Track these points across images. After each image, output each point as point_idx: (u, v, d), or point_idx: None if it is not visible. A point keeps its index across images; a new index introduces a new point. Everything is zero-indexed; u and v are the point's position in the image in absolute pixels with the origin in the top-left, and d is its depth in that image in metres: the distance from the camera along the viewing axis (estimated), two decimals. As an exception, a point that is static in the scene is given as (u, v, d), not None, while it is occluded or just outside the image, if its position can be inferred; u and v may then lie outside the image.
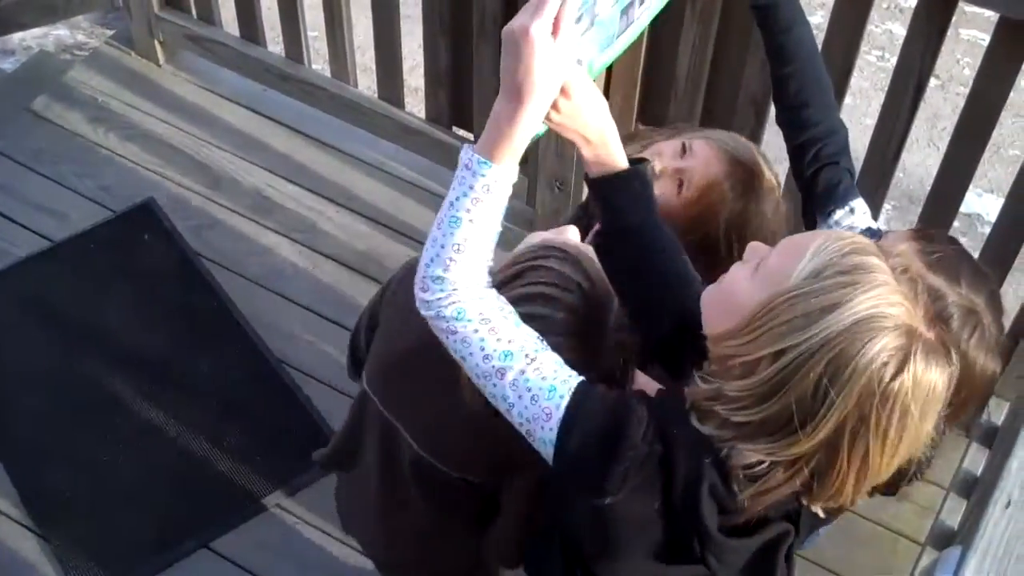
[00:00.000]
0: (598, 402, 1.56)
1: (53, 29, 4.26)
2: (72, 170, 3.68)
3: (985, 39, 2.61)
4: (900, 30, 3.98)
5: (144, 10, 3.84)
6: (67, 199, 3.61)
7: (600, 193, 1.70)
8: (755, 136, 2.93)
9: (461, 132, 3.59)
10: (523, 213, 3.36)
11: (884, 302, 1.41)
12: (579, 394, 1.54)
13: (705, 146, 2.13)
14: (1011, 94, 2.58)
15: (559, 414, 1.53)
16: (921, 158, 4.41)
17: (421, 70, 3.58)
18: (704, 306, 1.59)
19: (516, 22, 1.48)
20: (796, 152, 2.05)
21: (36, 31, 4.23)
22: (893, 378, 1.40)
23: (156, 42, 3.92)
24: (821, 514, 1.61)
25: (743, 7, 2.67)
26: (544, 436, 1.54)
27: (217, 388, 3.20)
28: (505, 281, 1.71)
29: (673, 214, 2.03)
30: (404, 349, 1.92)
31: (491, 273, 1.61)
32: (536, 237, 1.88)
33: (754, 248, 1.57)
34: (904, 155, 2.85)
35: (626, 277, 1.73)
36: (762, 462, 1.47)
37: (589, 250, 1.80)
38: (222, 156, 3.74)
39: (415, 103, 3.96)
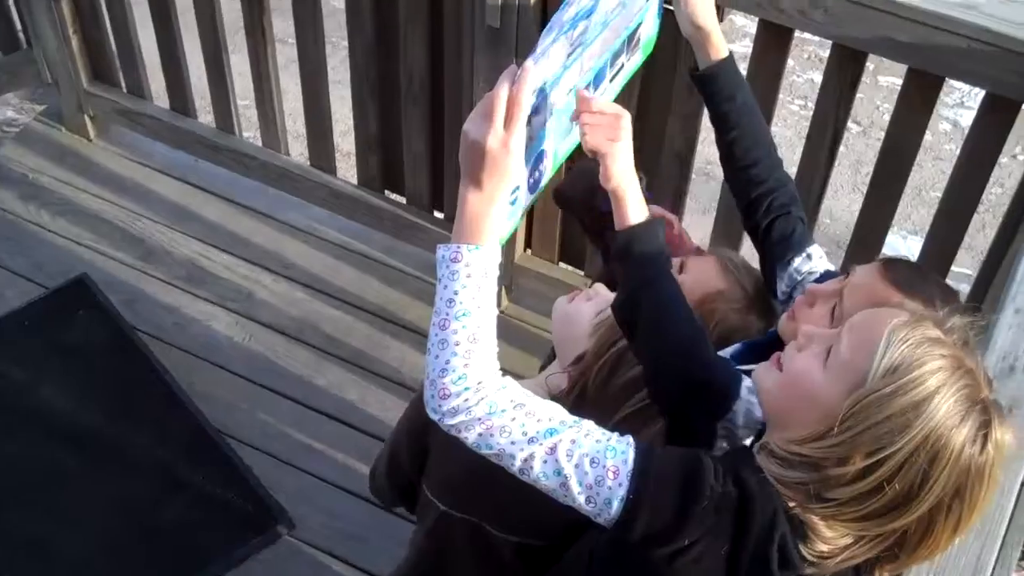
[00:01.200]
0: (666, 452, 1.57)
1: (-18, 107, 4.27)
2: (4, 248, 3.67)
3: (902, 85, 2.69)
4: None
5: (73, 86, 3.86)
6: (0, 277, 3.59)
7: (623, 244, 1.76)
8: (680, 190, 2.99)
9: (393, 196, 3.63)
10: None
11: (961, 384, 1.46)
12: (643, 447, 1.54)
13: (699, 260, 2.16)
14: (930, 137, 2.65)
15: (628, 468, 1.51)
16: (847, 203, 4.50)
17: (353, 135, 3.62)
18: (769, 395, 1.60)
19: (472, 132, 1.56)
20: (748, 208, 2.10)
21: (-35, 110, 4.24)
22: (981, 454, 1.46)
23: (86, 117, 3.94)
24: None
25: (663, 73, 2.76)
26: (610, 495, 1.51)
27: (156, 461, 3.19)
28: (603, 374, 1.71)
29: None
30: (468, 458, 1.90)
31: (566, 371, 1.65)
32: (565, 306, 1.89)
33: (808, 334, 1.59)
34: (830, 201, 2.93)
35: (648, 333, 1.75)
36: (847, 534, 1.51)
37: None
38: (155, 228, 3.75)
39: (348, 167, 3.99)
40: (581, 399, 1.72)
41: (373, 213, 3.60)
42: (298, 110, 3.66)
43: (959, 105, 5.08)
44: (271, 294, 3.60)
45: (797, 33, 2.61)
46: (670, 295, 1.77)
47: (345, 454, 3.20)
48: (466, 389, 1.52)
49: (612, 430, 1.57)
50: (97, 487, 3.12)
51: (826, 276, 2.03)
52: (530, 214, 3.34)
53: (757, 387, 1.63)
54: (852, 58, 2.58)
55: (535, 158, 1.76)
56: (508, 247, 3.41)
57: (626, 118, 1.76)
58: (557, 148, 1.83)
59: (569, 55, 1.73)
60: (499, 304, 3.49)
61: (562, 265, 3.54)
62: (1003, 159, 4.71)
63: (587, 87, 1.85)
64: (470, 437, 1.54)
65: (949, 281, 2.89)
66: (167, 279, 3.61)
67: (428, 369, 1.55)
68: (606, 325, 1.75)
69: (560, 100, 1.75)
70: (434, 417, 1.56)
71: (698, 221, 3.33)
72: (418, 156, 3.39)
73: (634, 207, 1.76)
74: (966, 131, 2.65)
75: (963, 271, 3.90)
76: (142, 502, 3.10)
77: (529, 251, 3.56)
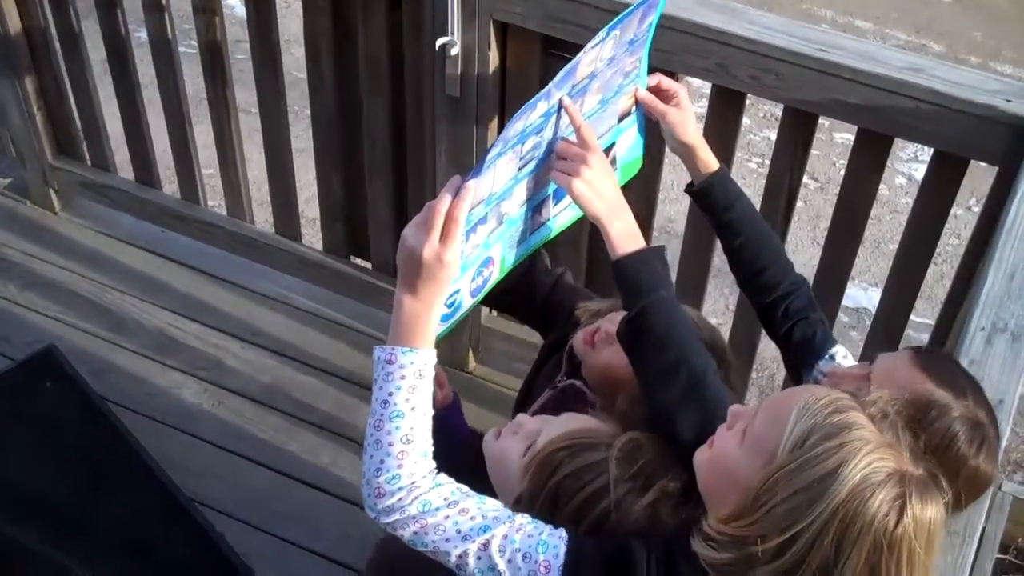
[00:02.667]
0: (597, 544, 1.59)
1: (-54, 182, 4.27)
2: (-29, 322, 3.67)
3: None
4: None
5: (38, 160, 3.89)
6: (-33, 351, 3.60)
7: (625, 271, 1.80)
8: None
9: (359, 261, 3.66)
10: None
11: (873, 456, 1.43)
12: (575, 540, 1.56)
13: None
14: (887, 191, 2.71)
15: (559, 562, 1.54)
16: (807, 258, 4.56)
17: (317, 201, 3.66)
18: (699, 474, 1.61)
19: (409, 239, 1.61)
20: (765, 313, 2.12)
21: (-71, 185, 4.24)
22: (896, 527, 1.42)
23: (51, 190, 3.96)
24: None
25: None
26: None
27: (128, 532, 3.17)
28: (544, 516, 1.67)
29: (626, 380, 2.02)
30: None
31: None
32: (493, 446, 1.86)
33: (735, 412, 1.59)
34: (791, 256, 2.95)
35: (654, 350, 1.78)
36: None
37: (549, 419, 1.83)
38: (123, 299, 3.76)
39: (313, 233, 4.03)
40: None
41: (340, 279, 3.64)
42: (263, 177, 3.69)
43: (913, 159, 5.19)
44: (241, 361, 3.61)
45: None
46: (668, 319, 1.79)
47: (318, 519, 3.21)
48: (400, 489, 1.57)
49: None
50: (68, 560, 3.11)
51: None
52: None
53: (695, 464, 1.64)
54: (804, 120, 2.65)
55: (480, 264, 1.81)
56: (475, 310, 3.44)
57: (594, 154, 1.81)
58: (505, 255, 1.88)
59: (521, 168, 1.78)
60: (467, 366, 3.54)
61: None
62: (959, 211, 4.82)
63: (545, 201, 1.90)
64: (406, 535, 1.58)
65: (909, 331, 2.96)
66: (136, 349, 3.63)
67: (364, 468, 1.59)
68: (536, 463, 1.74)
69: (513, 210, 1.81)
70: (371, 515, 1.60)
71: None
72: (383, 223, 3.44)
73: (620, 237, 1.81)
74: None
75: (924, 321, 3.97)
76: (114, 574, 3.08)
77: (495, 312, 3.60)
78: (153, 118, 3.74)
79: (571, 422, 1.81)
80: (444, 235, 1.60)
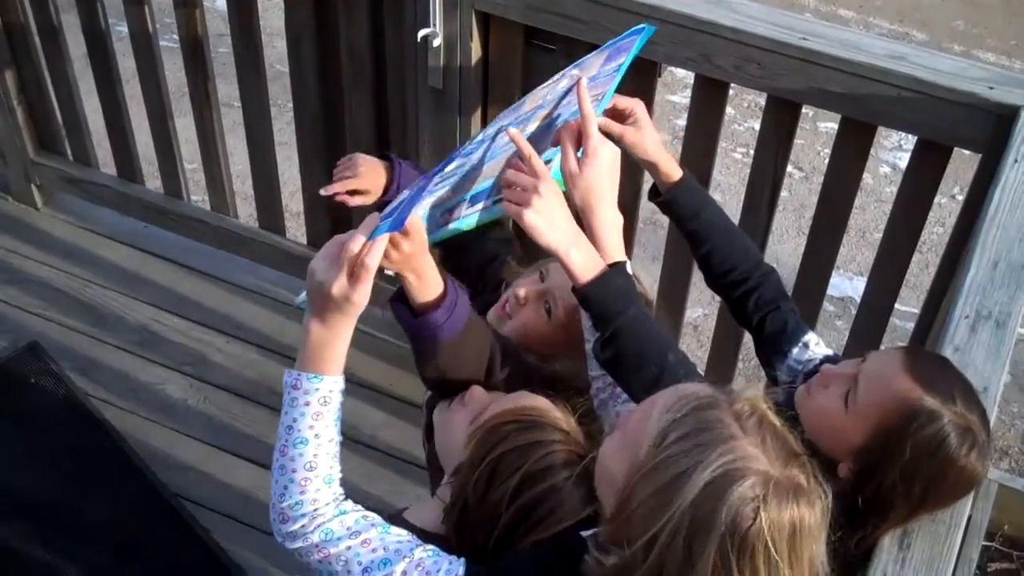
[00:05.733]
0: (491, 571, 1.60)
1: (-73, 179, 4.25)
2: (-46, 319, 3.66)
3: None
4: (760, 127, 4.16)
5: (19, 155, 3.87)
6: (-50, 349, 3.58)
7: (590, 298, 1.78)
8: (627, 239, 3.03)
9: (344, 255, 3.64)
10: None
11: (728, 458, 1.38)
12: (470, 570, 1.56)
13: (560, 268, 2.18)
14: (871, 180, 2.71)
15: None
16: (792, 247, 4.57)
17: (301, 195, 3.64)
18: (595, 478, 1.59)
19: (318, 273, 1.59)
20: (736, 307, 2.13)
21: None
22: (748, 528, 1.36)
23: (33, 186, 3.95)
24: None
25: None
26: None
27: (114, 529, 3.17)
28: (480, 487, 1.68)
29: (548, 338, 2.09)
30: None
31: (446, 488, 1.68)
32: (444, 414, 1.86)
33: (621, 414, 1.60)
34: (776, 246, 2.98)
35: (631, 372, 1.78)
36: None
37: (500, 395, 1.81)
38: (106, 295, 3.75)
39: (297, 227, 4.02)
40: (464, 511, 1.71)
41: (324, 273, 3.62)
42: (246, 172, 3.68)
43: (898, 148, 5.19)
44: (225, 356, 3.60)
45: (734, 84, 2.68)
46: (642, 333, 1.79)
47: (303, 514, 3.19)
48: (302, 515, 1.58)
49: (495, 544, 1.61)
50: (53, 557, 3.10)
51: (825, 361, 2.03)
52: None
53: None
54: (787, 108, 2.64)
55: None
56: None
57: (545, 183, 1.76)
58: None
59: (439, 184, 1.77)
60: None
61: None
62: (943, 199, 4.83)
63: (462, 203, 1.89)
64: (311, 562, 1.59)
65: (894, 320, 2.97)
66: (120, 345, 3.61)
67: (271, 492, 1.59)
68: (481, 432, 1.73)
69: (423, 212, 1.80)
70: (278, 540, 1.61)
71: (648, 269, 3.38)
72: (366, 216, 3.42)
73: (579, 267, 1.77)
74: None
75: (909, 310, 3.98)
76: (100, 571, 3.07)
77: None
78: (135, 113, 3.72)
79: (523, 399, 1.79)
80: (354, 278, 1.57)
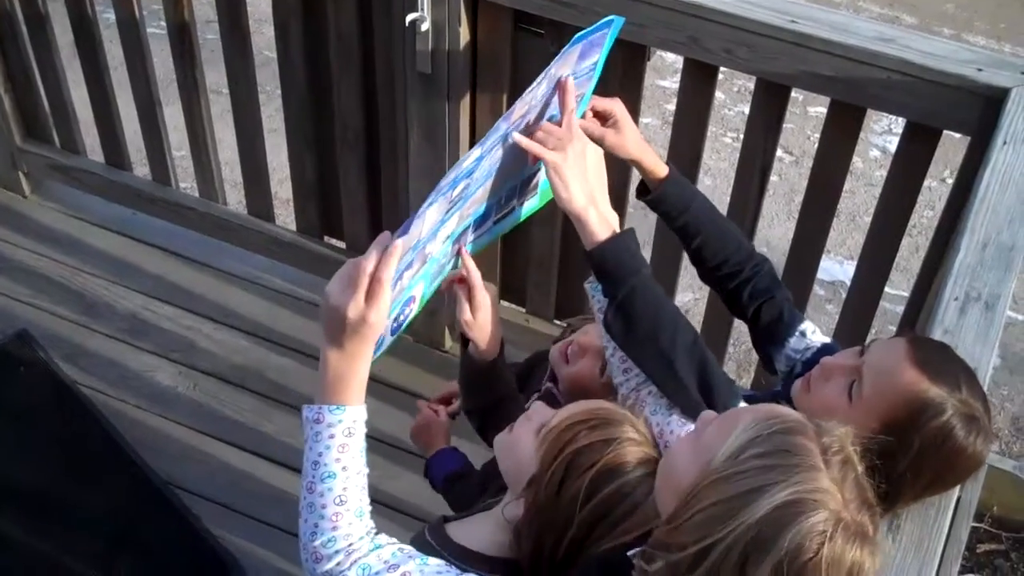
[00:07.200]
0: None
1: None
2: (-58, 308, 3.64)
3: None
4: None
5: (6, 143, 3.85)
6: (-62, 337, 3.57)
7: (597, 264, 1.80)
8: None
9: (333, 241, 3.65)
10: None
11: (803, 488, 1.34)
12: None
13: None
14: (861, 164, 2.71)
15: None
16: (783, 232, 4.57)
17: (290, 182, 3.63)
18: (657, 477, 1.57)
19: (333, 296, 1.56)
20: (730, 299, 2.12)
21: None
22: (809, 559, 1.32)
23: (20, 174, 3.93)
24: None
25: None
26: None
27: (105, 517, 3.16)
28: (553, 486, 1.66)
29: (595, 395, 2.01)
30: None
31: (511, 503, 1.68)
32: (506, 436, 1.83)
33: (703, 418, 1.54)
34: (766, 231, 2.98)
35: (647, 336, 1.78)
36: None
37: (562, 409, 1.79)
38: (95, 282, 3.73)
39: (287, 214, 4.00)
40: (536, 515, 1.69)
41: (313, 259, 3.62)
42: (235, 159, 3.67)
43: (887, 132, 5.19)
44: (214, 343, 3.60)
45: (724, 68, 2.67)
46: (655, 296, 1.80)
47: (295, 499, 3.17)
48: (336, 552, 1.53)
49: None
50: (44, 546, 3.09)
51: (823, 350, 2.02)
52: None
53: None
54: (777, 92, 2.64)
55: (403, 303, 1.78)
56: (449, 288, 3.43)
57: (577, 142, 1.82)
58: (426, 291, 1.87)
59: (448, 211, 1.76)
60: (443, 344, 3.53)
61: (503, 303, 3.57)
62: (933, 183, 4.83)
63: (467, 230, 1.89)
64: None
65: (884, 304, 2.97)
66: (109, 332, 3.60)
67: (300, 532, 1.56)
68: (552, 435, 1.71)
69: (436, 249, 1.80)
70: None
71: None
72: (356, 202, 3.42)
73: (596, 225, 1.80)
74: (892, 158, 2.73)
75: (899, 293, 3.98)
76: (92, 559, 3.07)
77: (470, 291, 3.59)
78: (123, 100, 3.71)
79: (590, 402, 1.78)
80: (370, 296, 1.55)
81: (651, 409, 1.84)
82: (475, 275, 1.88)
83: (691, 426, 1.75)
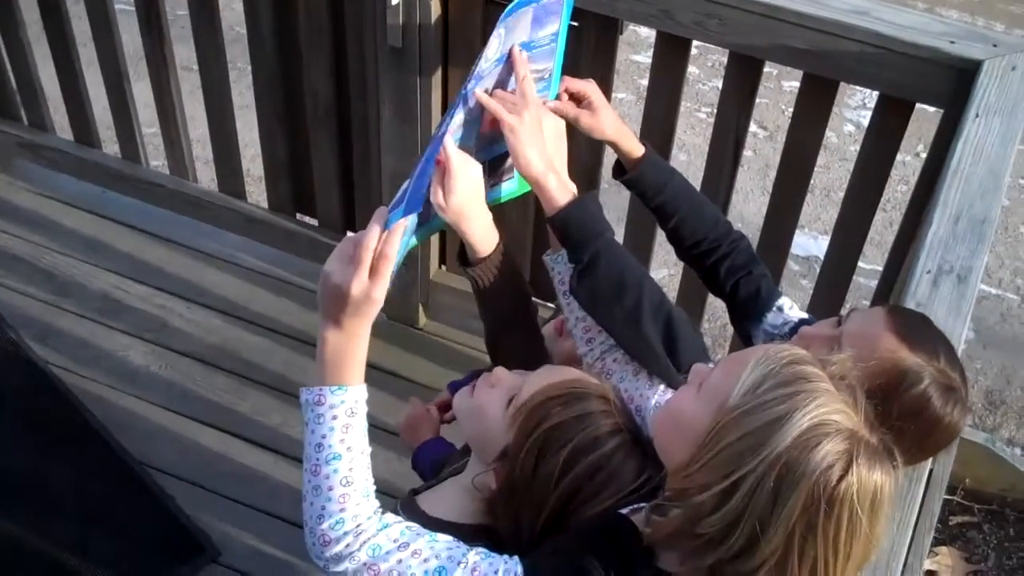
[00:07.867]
0: (552, 565, 1.54)
1: None
2: (-90, 289, 3.61)
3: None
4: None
5: (-27, 121, 3.81)
6: (-94, 318, 3.53)
7: (559, 229, 1.80)
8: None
9: (305, 218, 3.62)
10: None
11: (825, 410, 1.39)
12: (529, 567, 1.51)
13: None
14: (835, 139, 2.70)
15: None
16: (757, 207, 4.57)
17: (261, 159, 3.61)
18: (654, 432, 1.58)
19: (334, 275, 1.54)
20: (707, 276, 2.12)
21: None
22: (839, 482, 1.36)
23: (-12, 152, 3.89)
24: None
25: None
26: None
27: (77, 497, 3.14)
28: (529, 464, 1.65)
29: None
30: None
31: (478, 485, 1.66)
32: (469, 401, 1.81)
33: (696, 370, 1.55)
34: (740, 206, 2.97)
35: (611, 299, 1.78)
36: None
37: (527, 373, 1.78)
38: (66, 261, 3.71)
39: (259, 191, 3.98)
40: (512, 492, 1.68)
41: (287, 237, 3.60)
42: (206, 136, 3.64)
43: (862, 107, 5.19)
44: (187, 322, 3.57)
45: (698, 42, 2.65)
46: (620, 257, 1.81)
47: (269, 479, 3.19)
48: (345, 534, 1.51)
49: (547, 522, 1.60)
50: (15, 527, 3.08)
51: (800, 324, 2.02)
52: (442, 232, 3.35)
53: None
54: (749, 65, 2.63)
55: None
56: (423, 264, 3.42)
57: (533, 107, 1.81)
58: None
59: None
60: (417, 322, 3.51)
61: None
62: (907, 158, 4.83)
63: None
64: None
65: (858, 278, 2.97)
66: (80, 312, 3.58)
67: (305, 516, 1.53)
68: (525, 412, 1.69)
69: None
70: (320, 564, 1.54)
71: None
72: (328, 179, 3.40)
73: (556, 191, 1.80)
74: (866, 132, 2.72)
75: (874, 268, 3.99)
76: (64, 539, 3.05)
77: (444, 267, 3.58)
78: (91, 77, 3.67)
79: (555, 373, 1.76)
80: (374, 272, 1.53)
81: (618, 376, 1.84)
82: (453, 159, 1.77)
83: (660, 388, 1.78)
